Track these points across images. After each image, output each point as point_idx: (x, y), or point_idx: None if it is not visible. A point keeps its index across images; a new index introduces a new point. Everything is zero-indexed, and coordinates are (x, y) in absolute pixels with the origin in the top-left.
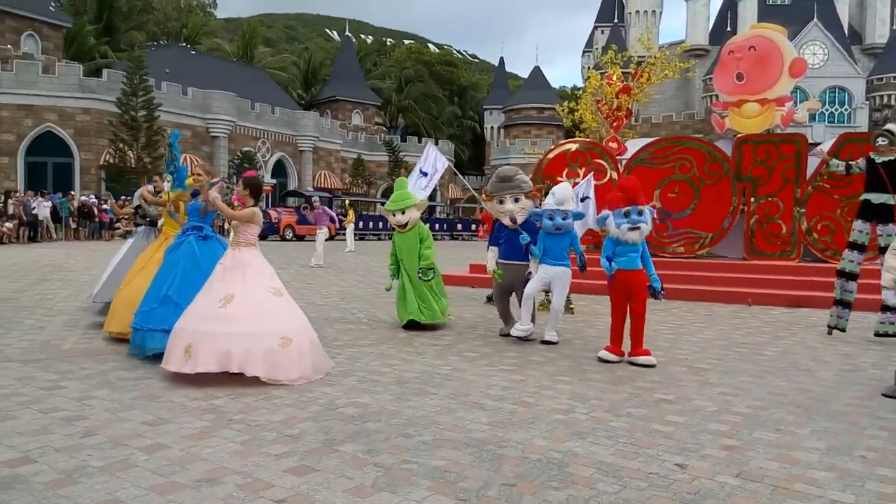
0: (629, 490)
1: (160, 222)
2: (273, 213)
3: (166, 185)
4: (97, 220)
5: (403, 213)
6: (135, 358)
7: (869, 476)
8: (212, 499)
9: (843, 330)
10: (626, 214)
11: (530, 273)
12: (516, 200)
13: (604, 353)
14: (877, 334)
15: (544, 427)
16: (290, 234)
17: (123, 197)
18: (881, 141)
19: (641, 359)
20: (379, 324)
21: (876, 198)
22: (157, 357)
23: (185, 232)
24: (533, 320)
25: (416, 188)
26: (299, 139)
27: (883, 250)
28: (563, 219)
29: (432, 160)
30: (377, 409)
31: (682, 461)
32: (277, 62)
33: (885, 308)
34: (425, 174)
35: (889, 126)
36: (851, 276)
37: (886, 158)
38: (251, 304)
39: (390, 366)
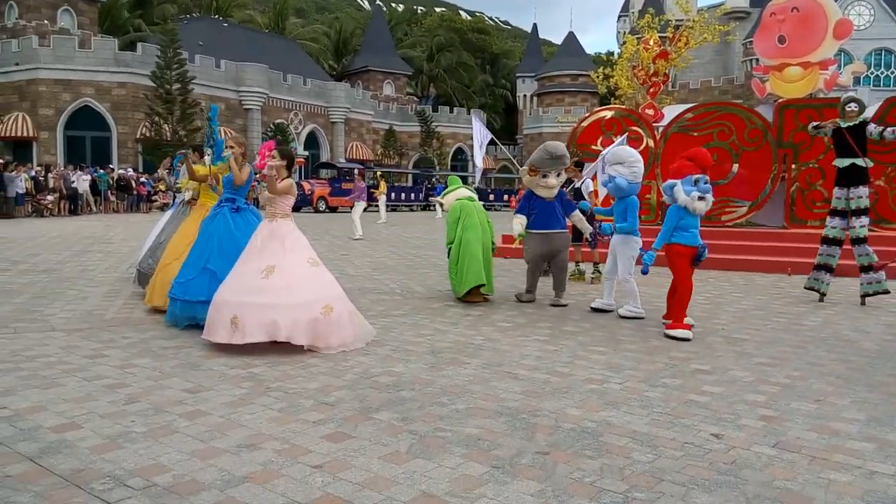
0: (664, 459)
1: (184, 195)
2: (306, 185)
3: (206, 159)
4: (135, 192)
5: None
6: (172, 327)
7: None
8: (251, 464)
9: (825, 294)
10: (696, 182)
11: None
12: (558, 175)
13: (680, 332)
14: (865, 296)
15: (578, 397)
16: (324, 206)
17: (159, 170)
18: (852, 106)
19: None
20: (412, 294)
21: (843, 162)
22: (195, 327)
23: (219, 204)
24: (532, 290)
25: (477, 159)
26: (331, 110)
27: (855, 213)
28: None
29: (477, 132)
30: (411, 378)
31: (718, 431)
32: (308, 33)
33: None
34: (480, 146)
35: (851, 94)
36: (835, 242)
37: (851, 123)
38: (293, 274)
39: (423, 336)
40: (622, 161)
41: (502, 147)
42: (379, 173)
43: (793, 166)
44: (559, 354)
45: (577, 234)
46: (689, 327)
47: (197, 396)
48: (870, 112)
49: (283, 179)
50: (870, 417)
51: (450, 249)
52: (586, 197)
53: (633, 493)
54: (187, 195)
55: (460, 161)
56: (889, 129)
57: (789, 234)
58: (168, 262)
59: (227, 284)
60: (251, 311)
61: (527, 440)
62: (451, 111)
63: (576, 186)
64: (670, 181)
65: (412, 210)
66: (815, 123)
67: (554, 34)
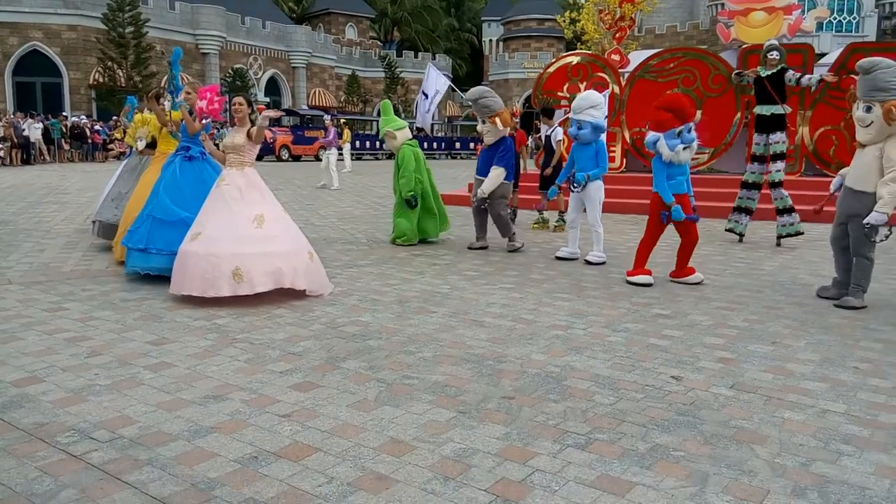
0: (625, 401)
1: (137, 144)
2: (268, 133)
3: (167, 105)
4: (90, 141)
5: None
6: (139, 280)
7: (861, 386)
8: (218, 414)
9: (742, 234)
10: (679, 134)
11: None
12: (483, 122)
13: (640, 278)
14: (780, 237)
15: (542, 343)
16: (287, 155)
17: (115, 118)
18: (774, 55)
19: (692, 277)
20: (378, 244)
21: (765, 110)
22: (153, 278)
23: (176, 152)
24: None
25: (420, 113)
26: (292, 55)
27: (774, 157)
28: (579, 128)
29: (433, 81)
30: (378, 327)
31: (677, 374)
32: None
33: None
34: (426, 96)
35: (770, 42)
36: (754, 186)
37: (771, 71)
38: (280, 222)
39: (390, 285)
40: (595, 104)
41: (462, 95)
42: (343, 121)
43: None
44: (524, 302)
45: (545, 182)
46: (648, 272)
47: (161, 349)
48: (831, 58)
49: (251, 127)
50: (823, 358)
51: (413, 198)
52: (554, 146)
53: (595, 435)
54: (141, 144)
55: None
56: (806, 75)
57: None
58: (131, 213)
59: (216, 237)
60: (255, 262)
61: (492, 386)
62: (416, 56)
63: (546, 134)
64: (652, 135)
65: (377, 159)
66: (737, 71)
67: None
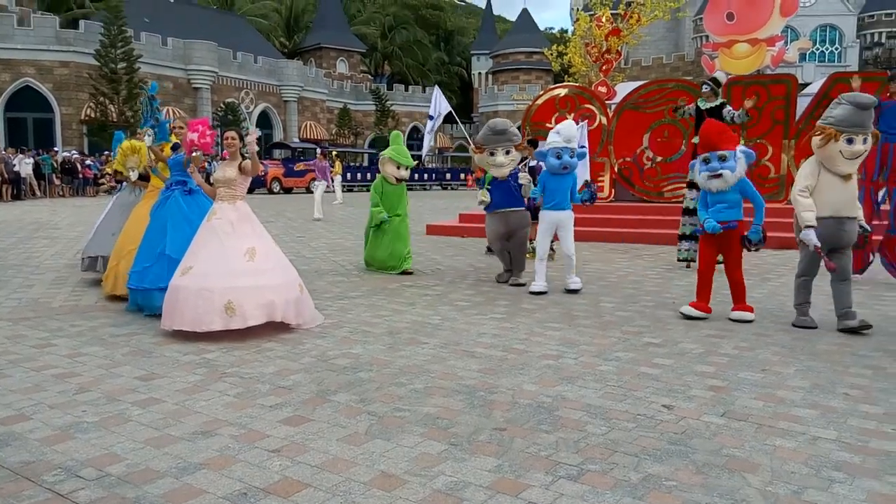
0: (617, 431)
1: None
2: (259, 166)
3: (147, 140)
4: (81, 176)
5: (407, 169)
6: (125, 314)
7: (852, 413)
8: (207, 450)
9: (693, 261)
10: (706, 161)
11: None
12: (507, 153)
13: (687, 309)
14: (680, 260)
15: (534, 373)
16: (278, 187)
17: (106, 152)
18: (705, 88)
19: (737, 314)
20: (369, 275)
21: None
22: (153, 315)
23: (169, 187)
24: (513, 268)
25: (426, 132)
26: (283, 89)
27: (689, 185)
28: (571, 156)
29: (436, 104)
30: (369, 359)
31: (668, 402)
32: (258, 9)
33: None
34: (432, 118)
35: (715, 74)
36: (694, 213)
37: (710, 105)
38: (272, 255)
39: (381, 317)
40: (574, 136)
41: (460, 125)
42: (334, 153)
43: (741, 142)
44: (516, 332)
45: (536, 212)
46: (751, 309)
47: (150, 384)
48: (814, 87)
49: (243, 160)
50: (813, 385)
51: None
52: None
53: (587, 465)
54: (133, 174)
55: (416, 140)
56: (737, 113)
57: None
58: (130, 249)
59: (205, 272)
60: (247, 295)
61: (484, 417)
62: (407, 89)
63: (530, 164)
64: (692, 162)
65: (368, 190)
66: (675, 106)
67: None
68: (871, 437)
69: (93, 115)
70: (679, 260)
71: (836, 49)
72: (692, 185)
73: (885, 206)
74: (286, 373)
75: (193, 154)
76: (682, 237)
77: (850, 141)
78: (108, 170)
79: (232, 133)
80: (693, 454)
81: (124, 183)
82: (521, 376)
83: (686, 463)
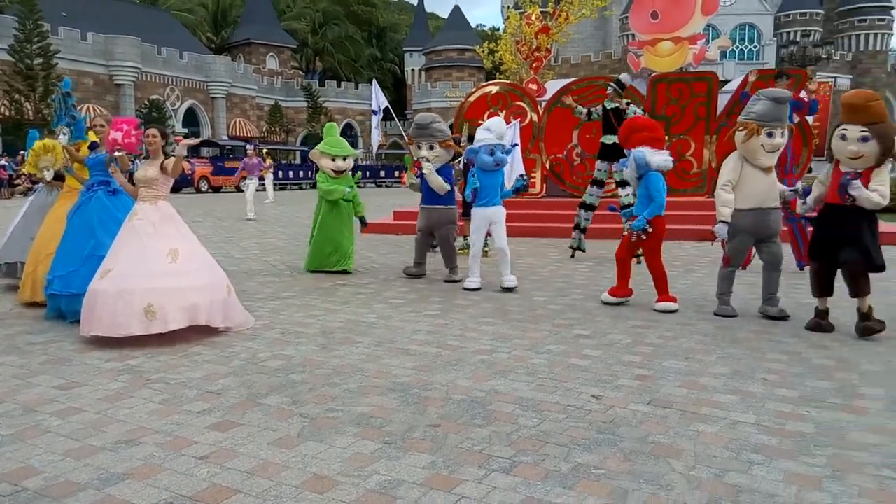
0: (548, 423)
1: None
2: (186, 165)
3: (63, 139)
4: None
5: (345, 159)
6: (44, 322)
7: (769, 397)
8: (131, 460)
9: (584, 250)
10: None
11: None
12: (431, 148)
13: (606, 297)
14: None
15: (468, 368)
16: (206, 186)
17: (22, 152)
18: (609, 90)
19: (661, 305)
20: (301, 275)
21: (608, 139)
22: (56, 319)
23: (90, 188)
24: (417, 263)
25: (373, 127)
26: (211, 85)
27: (619, 184)
28: (503, 152)
29: (377, 98)
30: (301, 360)
31: (597, 392)
32: (183, 3)
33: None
34: (376, 112)
35: (620, 76)
36: (591, 208)
37: (615, 105)
38: (197, 256)
39: (314, 317)
40: (504, 132)
41: (396, 121)
42: (265, 151)
43: (665, 138)
44: (450, 328)
45: (465, 209)
46: (674, 299)
47: (69, 393)
48: (733, 84)
49: (165, 159)
50: (733, 371)
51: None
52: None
53: (519, 458)
54: (48, 174)
55: (350, 137)
56: (638, 110)
57: None
58: (48, 253)
59: (124, 273)
60: (168, 297)
61: (418, 414)
62: (339, 86)
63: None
64: (638, 149)
65: (301, 189)
66: (586, 109)
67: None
68: (788, 419)
69: (7, 114)
70: (572, 248)
71: (755, 47)
72: (594, 182)
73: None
74: (215, 377)
75: (117, 154)
76: (577, 228)
77: (770, 134)
78: (24, 170)
79: (153, 131)
80: (621, 442)
81: (40, 184)
82: (456, 372)
83: (614, 451)
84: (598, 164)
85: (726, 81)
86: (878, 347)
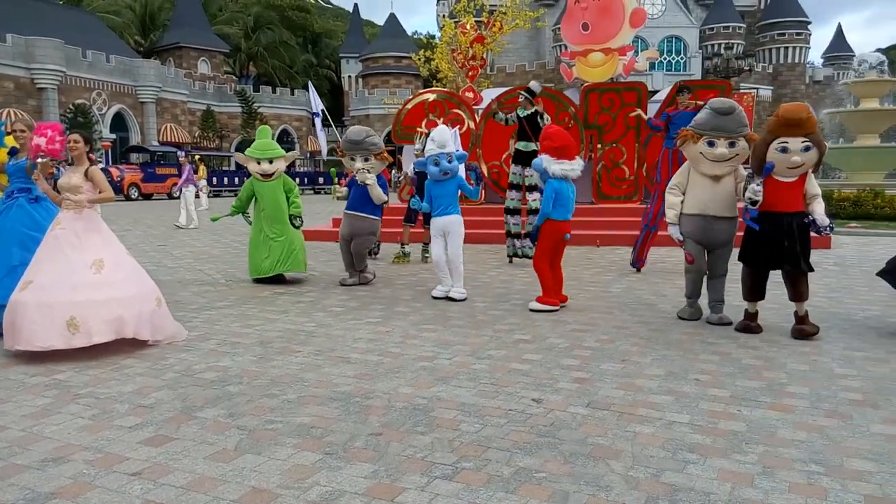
0: (490, 427)
1: None
2: (115, 171)
3: None
4: None
5: (271, 162)
6: None
7: (702, 397)
8: (59, 478)
9: (523, 255)
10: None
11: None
12: (366, 160)
13: (537, 305)
14: (514, 256)
15: (410, 375)
16: (136, 193)
17: None
18: (521, 98)
19: (535, 304)
20: (238, 284)
21: (524, 146)
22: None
23: (10, 195)
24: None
25: (318, 130)
26: (140, 90)
27: (530, 188)
28: (449, 161)
29: (315, 102)
30: (238, 371)
31: (538, 396)
32: (109, 5)
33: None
34: (317, 115)
35: (530, 84)
36: (515, 212)
37: (528, 112)
38: (124, 266)
39: (252, 326)
40: (448, 140)
41: (333, 128)
42: (198, 157)
43: (598, 146)
44: (391, 335)
45: (407, 216)
46: (555, 302)
47: None
48: (662, 94)
49: (90, 165)
50: (668, 373)
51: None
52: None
53: (461, 464)
54: None
55: (287, 143)
56: (547, 117)
57: (596, 209)
58: None
59: (44, 285)
60: (92, 310)
61: (360, 423)
62: (275, 91)
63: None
64: (537, 158)
65: (236, 195)
66: (504, 115)
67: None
68: (720, 418)
69: None
70: (509, 256)
71: (682, 59)
72: (511, 186)
73: None
74: (147, 390)
75: (39, 160)
76: (509, 234)
77: (710, 143)
78: None
79: (75, 136)
80: (561, 445)
81: None
82: (397, 379)
83: (555, 454)
84: (512, 168)
85: (655, 91)
86: (804, 347)
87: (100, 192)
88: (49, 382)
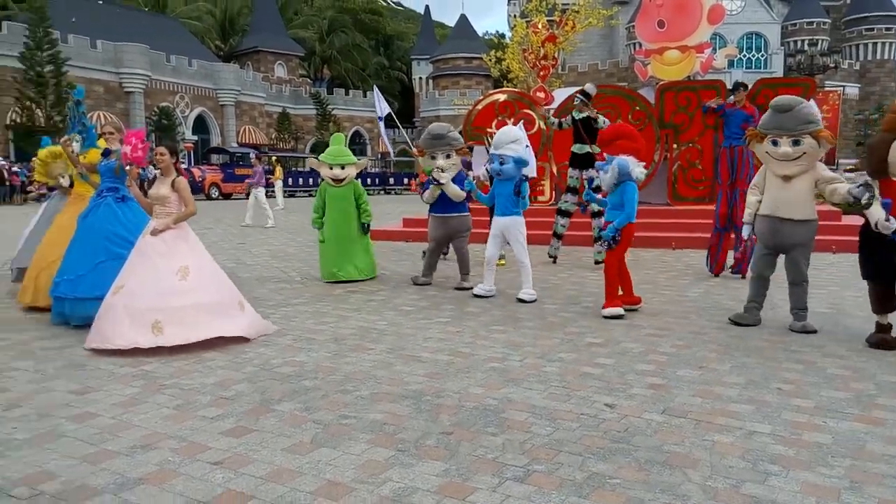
0: (561, 431)
1: (61, 181)
2: (197, 172)
3: (76, 146)
4: (8, 183)
5: (342, 168)
6: (58, 326)
7: (785, 406)
8: (146, 464)
9: (555, 258)
10: (607, 162)
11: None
12: (447, 157)
13: (609, 311)
14: (596, 262)
15: (480, 375)
16: (217, 193)
17: (33, 159)
18: (576, 101)
19: (607, 311)
20: (313, 282)
21: (579, 148)
22: (85, 326)
23: (99, 194)
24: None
25: (382, 134)
26: (220, 93)
27: (569, 190)
28: (501, 164)
29: (380, 106)
30: (314, 366)
31: (611, 401)
32: (192, 11)
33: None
34: (381, 119)
35: (585, 87)
36: (566, 214)
37: (583, 115)
38: (207, 272)
39: (326, 323)
40: (515, 139)
41: (401, 129)
42: (275, 158)
43: (674, 146)
44: (461, 335)
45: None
46: (620, 304)
47: (84, 398)
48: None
49: (175, 177)
50: (748, 381)
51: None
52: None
53: (533, 466)
54: (65, 181)
55: (359, 145)
56: (603, 121)
57: (672, 210)
58: (53, 260)
59: (135, 291)
60: (176, 314)
61: (431, 422)
62: (347, 93)
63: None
64: (622, 158)
65: (311, 195)
66: (557, 119)
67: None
68: (804, 429)
69: (19, 121)
70: (550, 256)
71: (763, 56)
72: (568, 189)
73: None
74: (228, 383)
75: (127, 167)
76: (555, 235)
77: (774, 143)
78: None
79: (161, 149)
80: (635, 451)
81: (55, 191)
82: (468, 379)
83: (629, 460)
84: (570, 171)
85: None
86: (893, 357)
87: (183, 207)
88: (137, 373)
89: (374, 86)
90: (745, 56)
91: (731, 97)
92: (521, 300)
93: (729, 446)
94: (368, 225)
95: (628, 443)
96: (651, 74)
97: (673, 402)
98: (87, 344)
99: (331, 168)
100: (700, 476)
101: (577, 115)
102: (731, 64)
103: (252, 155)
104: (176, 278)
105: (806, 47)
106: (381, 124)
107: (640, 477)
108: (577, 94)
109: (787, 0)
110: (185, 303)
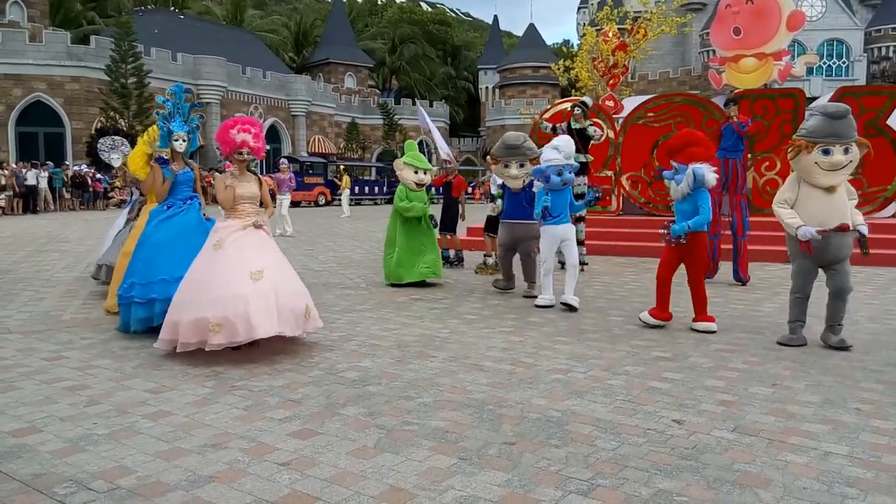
0: (627, 446)
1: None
2: (269, 180)
3: (181, 144)
4: (91, 189)
5: (426, 173)
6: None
7: (863, 428)
8: (217, 463)
9: (586, 263)
10: (676, 171)
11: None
12: (521, 166)
13: (645, 317)
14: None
15: (543, 387)
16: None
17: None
18: (576, 111)
19: (702, 325)
20: (377, 288)
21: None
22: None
23: (184, 201)
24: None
25: (439, 145)
26: (292, 104)
27: (577, 196)
28: (570, 172)
29: (424, 121)
30: (378, 372)
31: (679, 417)
32: (267, 24)
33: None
34: (428, 131)
35: (584, 98)
36: (581, 220)
37: (579, 126)
38: (280, 273)
39: (390, 330)
40: (573, 152)
41: (465, 139)
42: (342, 167)
43: (749, 156)
44: (524, 345)
45: (487, 226)
46: (713, 319)
47: (160, 397)
48: (823, 101)
49: (259, 177)
50: (824, 400)
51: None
52: (493, 191)
53: (597, 480)
54: (116, 161)
55: (424, 154)
56: (597, 133)
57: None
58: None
59: (209, 288)
60: (247, 315)
61: (493, 431)
62: (414, 104)
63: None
64: (698, 166)
65: (376, 204)
66: (551, 125)
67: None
68: (884, 452)
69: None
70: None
71: (844, 63)
72: (577, 196)
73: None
74: (295, 386)
75: (238, 157)
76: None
77: (825, 152)
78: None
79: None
80: (704, 469)
81: (134, 196)
82: (531, 390)
83: (697, 478)
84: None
85: (814, 98)
86: None
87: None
88: (208, 374)
89: (418, 103)
90: (825, 63)
91: (728, 110)
92: (570, 307)
93: (803, 467)
94: (435, 220)
95: (697, 460)
96: (726, 82)
97: (744, 420)
98: (158, 344)
99: (416, 172)
100: (772, 497)
101: (574, 125)
102: (810, 71)
103: (283, 163)
104: (249, 279)
105: (891, 54)
106: (436, 134)
107: (709, 496)
108: (578, 105)
109: (871, 5)
110: (260, 304)
